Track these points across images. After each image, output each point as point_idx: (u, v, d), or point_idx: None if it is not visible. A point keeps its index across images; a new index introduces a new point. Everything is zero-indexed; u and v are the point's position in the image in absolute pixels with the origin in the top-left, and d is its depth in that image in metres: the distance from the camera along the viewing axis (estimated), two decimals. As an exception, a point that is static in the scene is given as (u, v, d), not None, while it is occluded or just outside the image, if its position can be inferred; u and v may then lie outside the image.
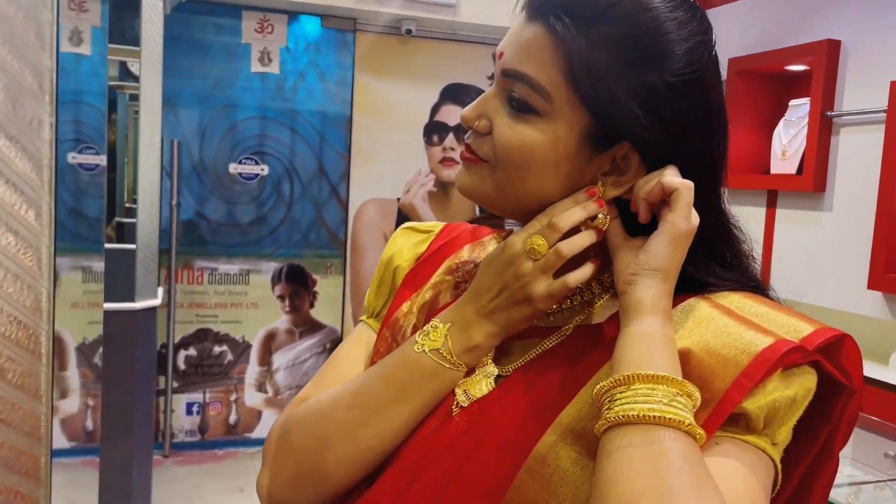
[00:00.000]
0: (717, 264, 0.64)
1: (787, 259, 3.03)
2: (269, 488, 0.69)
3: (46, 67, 0.46)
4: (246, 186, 3.66)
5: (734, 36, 3.25)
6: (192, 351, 3.65)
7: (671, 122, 0.59)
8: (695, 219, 0.59)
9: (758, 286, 0.66)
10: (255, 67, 3.61)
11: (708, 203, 0.63)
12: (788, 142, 2.96)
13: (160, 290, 2.90)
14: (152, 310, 2.70)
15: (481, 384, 0.66)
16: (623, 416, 0.52)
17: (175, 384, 3.62)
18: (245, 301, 3.68)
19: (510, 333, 0.66)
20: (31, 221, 0.46)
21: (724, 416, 0.55)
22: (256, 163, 3.65)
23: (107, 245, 3.25)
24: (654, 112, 0.59)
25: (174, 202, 3.51)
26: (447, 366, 0.65)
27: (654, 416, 0.51)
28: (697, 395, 0.54)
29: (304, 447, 0.67)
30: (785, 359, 0.56)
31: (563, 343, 0.65)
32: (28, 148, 0.46)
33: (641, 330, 0.56)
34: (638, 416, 0.51)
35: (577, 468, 0.57)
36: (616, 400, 0.53)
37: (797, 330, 0.58)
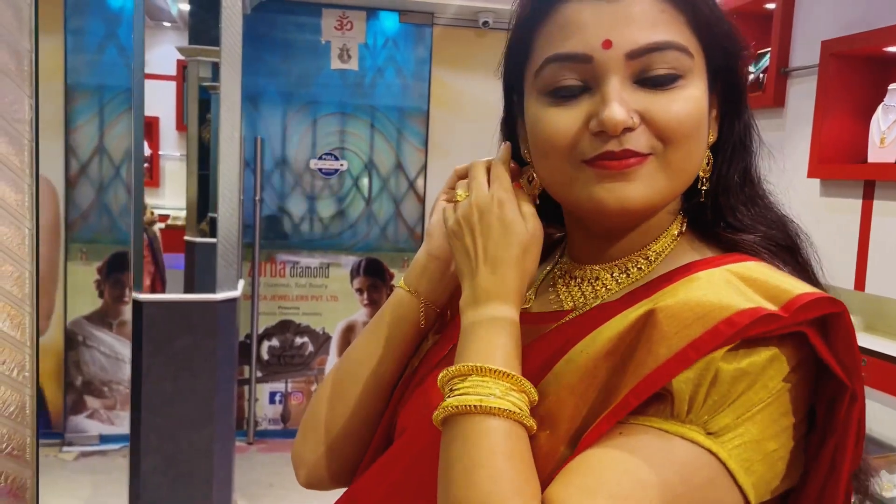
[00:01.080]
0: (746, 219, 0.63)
1: (885, 254, 2.83)
2: (293, 447, 0.77)
3: (25, 49, 0.46)
4: (326, 182, 3.73)
5: (827, 16, 3.05)
6: (274, 342, 3.75)
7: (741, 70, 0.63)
8: (477, 193, 0.63)
9: (790, 245, 0.63)
10: (335, 64, 3.68)
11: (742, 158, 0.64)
12: (887, 128, 2.76)
13: (241, 283, 2.99)
14: (233, 301, 2.79)
15: None
16: (454, 407, 0.54)
17: (259, 374, 3.73)
18: (325, 294, 3.76)
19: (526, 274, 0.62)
20: (10, 199, 0.46)
21: (645, 394, 0.50)
22: (336, 158, 3.72)
23: (194, 239, 3.39)
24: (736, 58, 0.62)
25: (257, 198, 3.62)
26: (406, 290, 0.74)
27: (482, 407, 0.53)
28: (530, 388, 0.55)
29: (313, 400, 0.75)
30: (750, 329, 0.50)
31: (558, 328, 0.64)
32: (7, 129, 0.46)
33: (483, 317, 0.58)
34: (468, 406, 0.53)
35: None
36: (454, 390, 0.55)
37: (783, 293, 0.52)
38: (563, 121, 0.58)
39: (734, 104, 0.64)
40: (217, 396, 2.74)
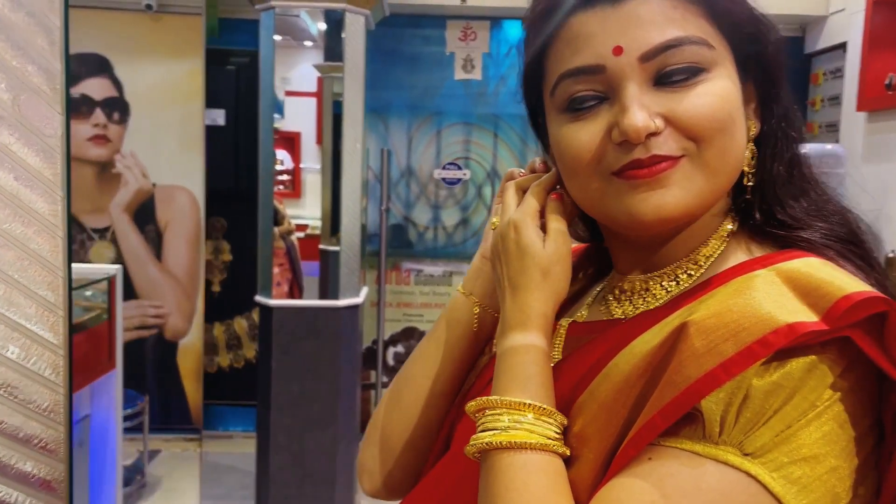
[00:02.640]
0: (797, 210, 0.58)
1: None
2: (359, 454, 0.78)
3: (57, 70, 0.50)
4: (450, 191, 3.78)
5: None
6: (399, 348, 3.83)
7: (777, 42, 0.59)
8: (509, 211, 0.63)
9: (850, 238, 0.57)
10: (459, 75, 3.72)
11: (786, 149, 0.59)
12: None
13: (365, 290, 3.08)
14: (355, 307, 2.88)
15: None
16: (486, 444, 0.53)
17: (384, 379, 3.82)
18: (448, 301, 3.80)
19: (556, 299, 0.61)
20: (43, 210, 0.50)
21: (673, 416, 0.46)
22: (459, 168, 3.75)
23: (328, 248, 3.54)
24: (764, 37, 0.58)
25: (384, 207, 3.72)
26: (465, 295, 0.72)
27: (510, 443, 0.52)
28: (559, 417, 0.54)
29: (377, 406, 0.75)
30: (797, 340, 0.46)
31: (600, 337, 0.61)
32: (39, 144, 0.50)
33: (505, 347, 0.58)
34: (499, 443, 0.53)
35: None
36: (482, 423, 0.55)
37: (828, 295, 0.47)
38: (584, 135, 0.56)
39: (771, 92, 0.60)
40: (340, 399, 2.84)
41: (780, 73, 0.59)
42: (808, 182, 0.59)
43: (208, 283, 3.79)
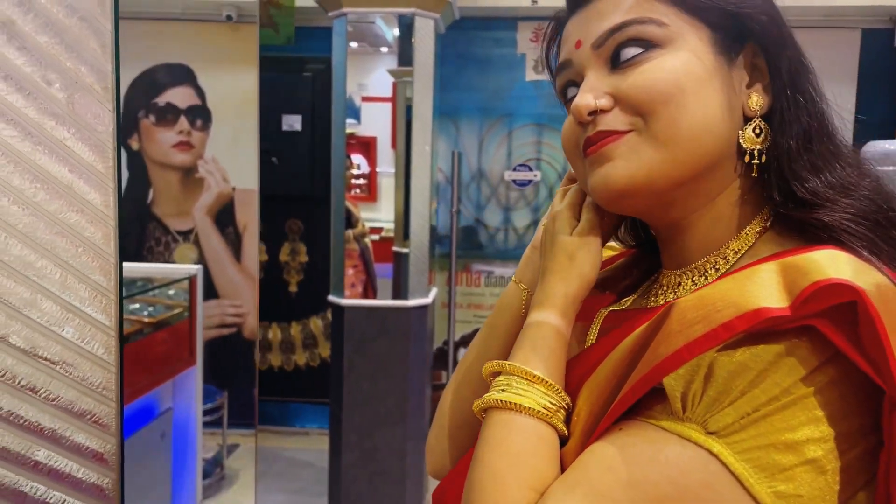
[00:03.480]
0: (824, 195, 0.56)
1: None
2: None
3: (108, 71, 0.54)
4: (521, 192, 3.77)
5: None
6: (470, 349, 3.85)
7: (773, 12, 0.58)
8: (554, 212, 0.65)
9: (881, 217, 0.54)
10: (530, 76, 3.71)
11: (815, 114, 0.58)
12: None
13: (434, 290, 3.11)
14: (424, 308, 2.92)
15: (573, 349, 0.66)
16: (485, 402, 0.57)
17: (455, 380, 3.85)
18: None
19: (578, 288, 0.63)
20: (96, 201, 0.54)
21: (640, 392, 0.48)
22: (530, 169, 3.75)
23: (400, 249, 3.59)
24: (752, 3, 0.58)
25: (454, 209, 3.74)
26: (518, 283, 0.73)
27: (502, 402, 0.55)
28: (558, 391, 0.56)
29: (443, 394, 0.78)
30: (749, 332, 0.45)
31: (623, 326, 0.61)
32: (92, 139, 0.54)
33: (526, 323, 0.61)
34: (495, 401, 0.56)
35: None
36: (493, 385, 0.58)
37: (805, 281, 0.46)
38: (567, 123, 0.62)
39: (773, 64, 0.58)
40: (410, 398, 2.88)
41: (780, 44, 0.58)
42: (833, 155, 0.57)
43: (285, 284, 3.91)
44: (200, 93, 3.49)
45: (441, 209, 3.78)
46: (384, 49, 4.78)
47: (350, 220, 3.89)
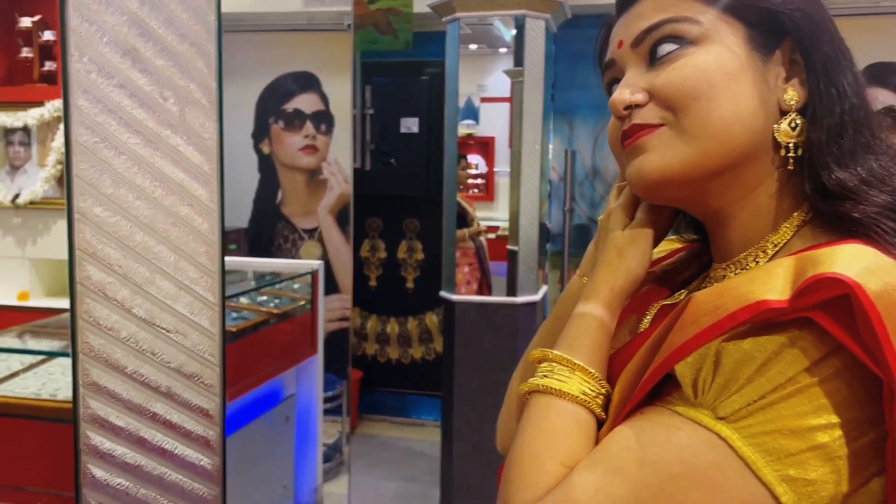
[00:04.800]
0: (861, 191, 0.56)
1: None
2: None
3: (212, 87, 0.64)
4: (636, 190, 3.73)
5: None
6: (583, 348, 3.84)
7: (809, 8, 0.59)
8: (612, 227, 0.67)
9: None
10: (646, 72, 3.66)
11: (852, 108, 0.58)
12: None
13: (545, 288, 3.15)
14: (533, 304, 2.96)
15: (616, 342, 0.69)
16: (529, 386, 0.61)
17: (568, 378, 3.85)
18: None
19: (625, 284, 0.65)
20: (203, 197, 0.65)
21: (654, 379, 0.51)
22: (645, 166, 3.69)
23: (514, 248, 3.65)
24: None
25: (567, 208, 3.76)
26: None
27: (544, 387, 0.59)
28: (598, 378, 0.60)
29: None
30: (752, 322, 0.47)
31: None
32: (200, 145, 0.64)
33: (573, 313, 0.64)
34: (539, 386, 0.60)
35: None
36: (538, 371, 0.62)
37: (809, 273, 0.47)
38: (611, 120, 0.65)
39: (809, 59, 0.59)
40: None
41: (815, 39, 0.59)
42: (867, 148, 0.57)
43: (403, 280, 4.06)
44: (324, 99, 3.70)
45: (554, 208, 3.80)
46: (503, 50, 4.85)
47: (465, 219, 3.99)
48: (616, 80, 0.65)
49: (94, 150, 0.61)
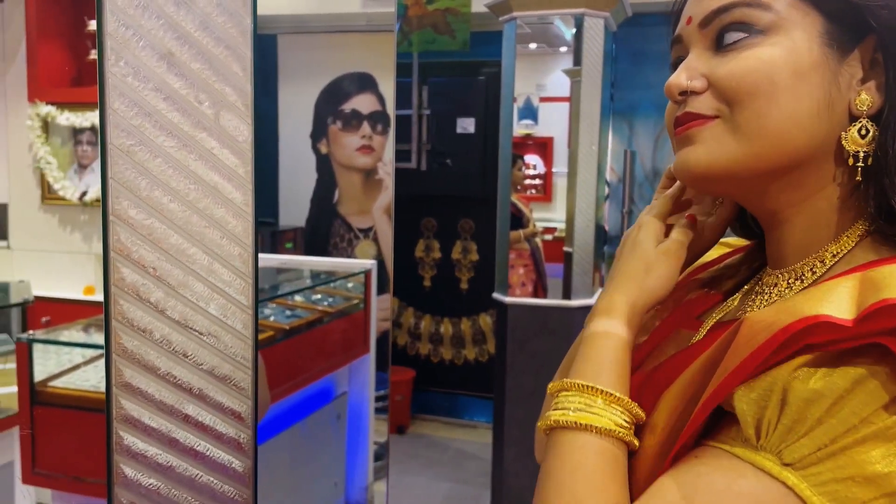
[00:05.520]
0: None
1: None
2: None
3: (247, 91, 0.64)
4: (697, 192, 3.64)
5: None
6: (640, 353, 3.77)
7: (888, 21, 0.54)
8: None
9: None
10: (709, 71, 3.57)
11: None
12: None
13: (600, 291, 3.10)
14: (587, 308, 2.91)
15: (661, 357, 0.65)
16: (554, 422, 0.55)
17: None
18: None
19: (644, 299, 0.62)
20: (237, 199, 0.65)
21: (709, 409, 0.45)
22: (707, 168, 3.60)
23: (571, 250, 3.60)
24: None
25: (625, 210, 3.69)
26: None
27: (575, 423, 0.54)
28: (631, 405, 0.55)
29: None
30: (807, 337, 0.43)
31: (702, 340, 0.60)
32: (234, 147, 0.64)
33: (589, 331, 0.60)
34: (566, 422, 0.55)
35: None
36: (556, 403, 0.57)
37: (875, 297, 0.43)
38: (669, 103, 0.61)
39: (888, 60, 0.54)
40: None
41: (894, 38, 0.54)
42: None
43: (457, 281, 4.05)
44: (381, 99, 3.72)
45: (613, 209, 3.74)
46: (563, 49, 4.79)
47: (521, 220, 3.96)
48: (682, 59, 0.61)
49: (130, 153, 0.62)
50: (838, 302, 0.45)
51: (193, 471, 0.66)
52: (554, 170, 5.78)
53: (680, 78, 0.58)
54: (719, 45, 0.57)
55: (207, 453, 0.66)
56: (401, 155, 3.99)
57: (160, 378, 0.64)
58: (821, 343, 0.44)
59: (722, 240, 0.76)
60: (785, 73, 0.54)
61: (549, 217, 5.31)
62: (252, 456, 0.69)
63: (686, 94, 0.58)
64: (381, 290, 3.36)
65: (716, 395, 0.47)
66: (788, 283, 0.58)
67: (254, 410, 0.69)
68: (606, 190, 3.49)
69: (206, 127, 0.65)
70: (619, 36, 3.61)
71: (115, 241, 0.61)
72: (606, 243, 3.77)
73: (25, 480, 1.83)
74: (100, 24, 0.59)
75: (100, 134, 0.61)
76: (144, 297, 0.63)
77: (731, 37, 0.56)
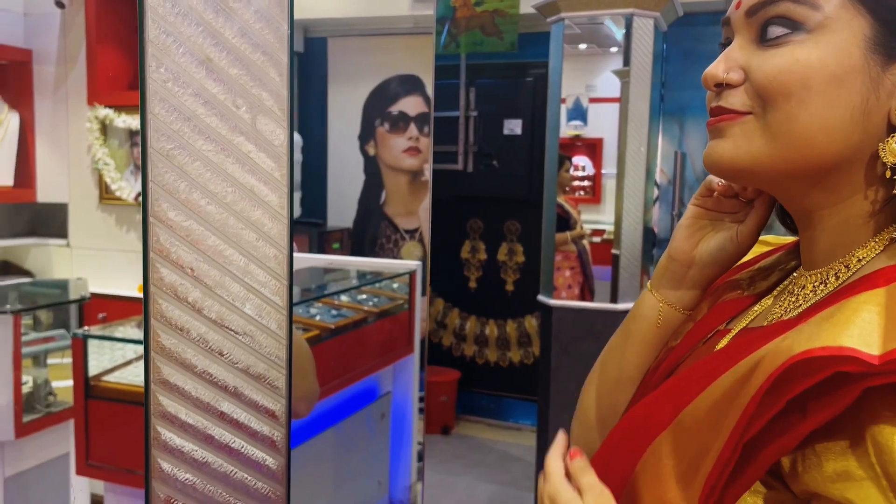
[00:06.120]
0: None
1: None
2: None
3: (284, 95, 0.65)
4: (750, 195, 3.56)
5: None
6: (689, 358, 3.70)
7: None
8: None
9: None
10: (763, 71, 3.48)
11: None
12: None
13: (648, 295, 3.05)
14: (634, 312, 2.88)
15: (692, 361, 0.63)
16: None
17: (671, 388, 3.72)
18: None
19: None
20: (273, 201, 0.66)
21: (730, 451, 0.44)
22: (760, 170, 3.52)
23: (619, 252, 3.56)
24: None
25: (675, 212, 3.63)
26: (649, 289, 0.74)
27: None
28: None
29: (583, 389, 0.81)
30: (825, 369, 0.40)
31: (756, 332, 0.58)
32: (271, 150, 0.66)
33: None
34: None
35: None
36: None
37: None
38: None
39: None
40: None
41: None
42: None
43: (502, 283, 4.04)
44: (428, 101, 3.74)
45: (662, 211, 3.68)
46: (614, 49, 4.74)
47: (568, 222, 3.93)
48: (730, 42, 0.59)
49: (170, 157, 0.63)
50: (861, 331, 0.43)
51: (228, 467, 0.67)
52: (603, 171, 5.72)
53: (717, 69, 0.57)
54: (762, 38, 0.55)
55: (242, 450, 0.68)
56: (447, 156, 4.00)
57: (197, 375, 0.66)
58: (849, 374, 0.42)
59: (762, 237, 0.75)
60: (820, 76, 0.52)
61: (598, 219, 5.25)
62: (286, 454, 0.71)
63: (721, 86, 0.57)
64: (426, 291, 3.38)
65: (731, 443, 0.45)
66: (814, 287, 0.57)
67: (287, 409, 0.71)
68: (656, 192, 3.44)
69: (244, 131, 0.66)
70: (670, 36, 3.55)
71: (154, 241, 0.63)
72: (655, 246, 3.72)
73: (79, 472, 1.89)
74: (141, 31, 0.61)
75: (140, 138, 0.63)
76: (182, 297, 0.64)
77: (774, 31, 0.54)
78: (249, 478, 0.68)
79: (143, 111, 0.62)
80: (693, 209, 0.71)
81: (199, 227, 0.64)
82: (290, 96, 0.67)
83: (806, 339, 0.44)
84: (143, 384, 0.65)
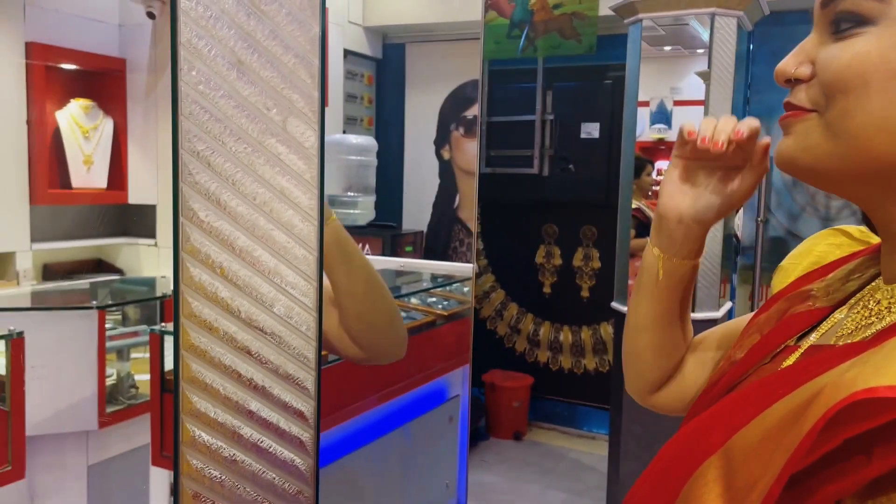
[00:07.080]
0: None
1: None
2: None
3: (315, 98, 0.66)
4: (846, 202, 3.38)
5: None
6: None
7: None
8: None
9: None
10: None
11: None
12: None
13: (728, 305, 2.93)
14: (711, 322, 2.77)
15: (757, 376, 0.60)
16: None
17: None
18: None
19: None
20: (304, 203, 0.66)
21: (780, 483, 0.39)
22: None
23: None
24: None
25: (760, 218, 3.48)
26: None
27: None
28: None
29: None
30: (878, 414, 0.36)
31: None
32: (302, 152, 0.66)
33: None
34: None
35: None
36: None
37: None
38: None
39: None
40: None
41: None
42: None
43: (577, 288, 3.98)
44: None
45: (747, 218, 3.54)
46: (700, 51, 4.59)
47: (649, 228, 3.82)
48: None
49: (202, 158, 0.65)
50: None
51: (257, 466, 0.68)
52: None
53: (787, 65, 0.56)
54: (835, 31, 0.53)
55: (270, 450, 0.68)
56: (523, 160, 3.96)
57: (226, 374, 0.67)
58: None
59: (844, 228, 0.77)
60: (879, 70, 0.49)
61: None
62: (314, 454, 0.71)
63: (791, 81, 0.55)
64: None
65: (788, 469, 0.41)
66: (889, 304, 0.53)
67: (316, 410, 0.71)
68: (739, 197, 3.31)
69: (275, 133, 0.67)
70: (757, 36, 3.41)
71: (185, 241, 0.64)
72: (739, 253, 3.57)
73: (154, 462, 1.97)
74: (174, 34, 0.62)
75: (172, 139, 0.64)
76: (212, 296, 0.65)
77: (843, 25, 0.52)
78: (278, 478, 0.69)
79: (174, 113, 0.63)
80: (675, 160, 0.72)
81: (230, 227, 0.65)
82: (321, 98, 0.68)
83: (872, 371, 0.39)
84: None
